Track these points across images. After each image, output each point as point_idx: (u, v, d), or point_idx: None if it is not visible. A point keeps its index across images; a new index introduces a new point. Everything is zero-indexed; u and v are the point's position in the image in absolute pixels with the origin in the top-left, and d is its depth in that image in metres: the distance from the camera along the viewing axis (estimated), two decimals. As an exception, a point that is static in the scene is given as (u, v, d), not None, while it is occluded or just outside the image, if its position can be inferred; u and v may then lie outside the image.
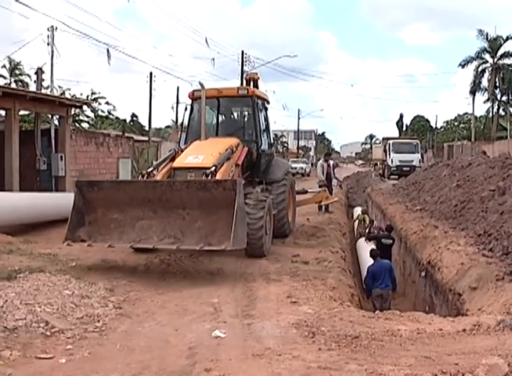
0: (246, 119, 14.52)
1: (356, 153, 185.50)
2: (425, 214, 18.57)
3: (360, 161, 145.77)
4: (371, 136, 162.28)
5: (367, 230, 20.24)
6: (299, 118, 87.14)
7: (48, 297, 7.38)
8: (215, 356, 5.45)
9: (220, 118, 14.58)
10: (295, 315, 6.98)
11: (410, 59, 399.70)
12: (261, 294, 8.30)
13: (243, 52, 40.87)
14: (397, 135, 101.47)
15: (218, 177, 10.54)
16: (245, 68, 40.14)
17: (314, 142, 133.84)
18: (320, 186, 20.67)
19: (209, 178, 10.37)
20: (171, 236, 9.71)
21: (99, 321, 6.78)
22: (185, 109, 14.22)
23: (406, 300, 15.56)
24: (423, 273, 13.55)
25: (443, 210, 17.62)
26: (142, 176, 11.37)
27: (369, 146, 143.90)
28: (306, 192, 19.41)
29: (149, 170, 11.62)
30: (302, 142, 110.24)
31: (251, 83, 14.95)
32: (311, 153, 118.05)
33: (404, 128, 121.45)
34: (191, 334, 6.21)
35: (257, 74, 15.56)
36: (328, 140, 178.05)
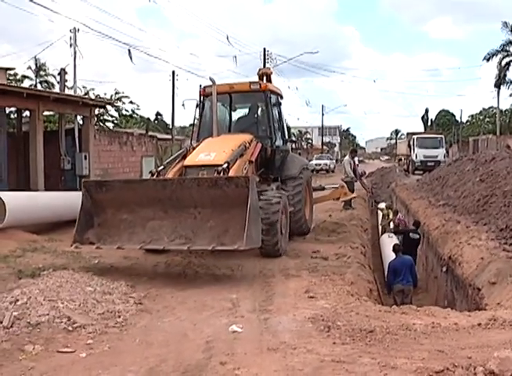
0: (259, 115, 14.04)
1: (381, 149, 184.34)
2: (448, 209, 18.53)
3: (385, 157, 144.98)
4: (396, 131, 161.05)
5: (390, 223, 20.25)
6: (323, 114, 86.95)
7: (71, 293, 7.54)
8: (231, 350, 5.57)
9: (232, 114, 14.22)
10: (312, 309, 7.06)
11: (435, 53, 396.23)
12: (279, 290, 8.40)
13: (264, 49, 41.04)
14: (422, 129, 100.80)
15: (230, 174, 10.20)
16: (267, 65, 40.18)
17: (338, 138, 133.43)
18: (347, 182, 20.36)
19: (221, 175, 10.04)
20: (182, 236, 9.40)
21: (119, 317, 6.93)
22: (197, 106, 13.79)
23: (428, 295, 15.54)
24: (444, 268, 13.55)
25: (466, 205, 17.58)
26: (152, 175, 11.05)
27: (394, 141, 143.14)
28: (323, 188, 18.94)
29: (159, 169, 11.29)
30: (327, 139, 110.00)
31: (264, 78, 14.53)
32: (336, 149, 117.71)
33: (429, 123, 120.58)
34: (208, 329, 6.33)
35: (269, 68, 15.15)
36: (353, 136, 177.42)
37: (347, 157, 22.20)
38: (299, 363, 5.11)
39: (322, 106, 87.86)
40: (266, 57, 40.71)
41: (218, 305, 7.54)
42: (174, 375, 5.02)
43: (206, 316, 7.01)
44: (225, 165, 10.29)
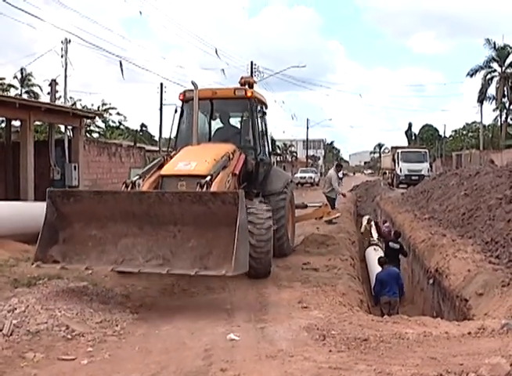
0: (243, 124, 13.17)
1: (365, 162, 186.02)
2: (433, 222, 18.81)
3: (369, 170, 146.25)
4: (380, 145, 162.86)
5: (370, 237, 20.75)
6: (308, 128, 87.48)
7: (68, 302, 7.64)
8: (230, 357, 5.69)
9: (213, 122, 13.28)
10: (306, 319, 7.22)
11: (418, 68, 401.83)
12: (272, 300, 8.55)
13: (252, 62, 41.32)
14: (406, 143, 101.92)
15: (213, 188, 9.23)
16: (255, 79, 40.48)
17: (323, 152, 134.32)
18: (329, 198, 20.28)
19: (204, 189, 9.01)
20: (159, 256, 8.33)
21: (117, 325, 7.04)
22: (175, 111, 12.69)
23: (415, 307, 15.74)
24: (431, 281, 13.78)
25: (451, 218, 17.88)
26: (126, 186, 9.73)
27: (377, 155, 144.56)
28: (306, 206, 17.93)
29: (134, 179, 10.02)
30: (311, 152, 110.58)
31: (240, 86, 13.26)
32: (320, 162, 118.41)
33: (413, 137, 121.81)
34: (206, 337, 6.44)
35: (252, 78, 13.93)
36: (337, 149, 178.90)
37: (332, 172, 21.65)
38: (297, 370, 5.25)
39: (307, 119, 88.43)
40: (253, 70, 40.95)
41: (213, 314, 7.64)
42: (176, 381, 5.17)
43: (202, 325, 7.11)
44: (208, 178, 9.30)
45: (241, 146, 11.92)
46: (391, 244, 16.91)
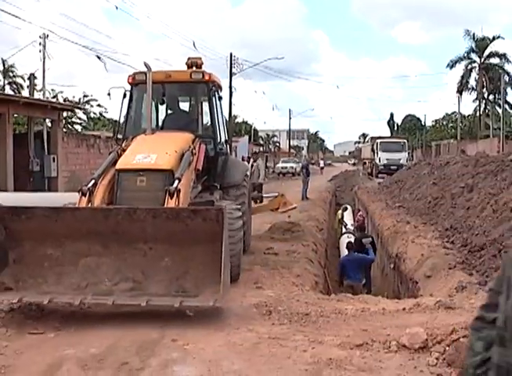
0: (197, 109, 12.06)
1: (350, 152, 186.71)
2: (402, 210, 19.52)
3: (353, 160, 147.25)
4: (364, 135, 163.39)
5: (342, 226, 21.43)
6: (290, 118, 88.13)
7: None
8: (183, 331, 6.33)
9: (165, 108, 12.07)
10: (258, 297, 7.85)
11: (403, 58, 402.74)
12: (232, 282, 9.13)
13: (231, 54, 41.72)
14: (389, 133, 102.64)
15: (182, 193, 8.05)
16: (234, 70, 41.09)
17: (306, 142, 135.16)
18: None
19: (174, 197, 7.88)
20: (128, 278, 7.32)
21: (84, 304, 7.61)
22: (124, 96, 11.22)
23: (380, 292, 16.39)
24: (392, 265, 14.48)
25: (418, 206, 18.64)
26: (83, 194, 8.19)
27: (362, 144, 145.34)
28: (261, 197, 17.14)
29: (90, 185, 8.36)
30: (295, 142, 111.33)
31: (194, 69, 11.76)
32: (304, 152, 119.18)
33: (395, 127, 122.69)
34: (163, 314, 7.01)
35: (200, 58, 12.36)
36: (322, 139, 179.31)
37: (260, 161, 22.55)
38: (240, 339, 5.93)
39: (290, 110, 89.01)
40: (233, 62, 41.43)
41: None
42: (130, 349, 5.78)
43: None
44: (176, 182, 8.12)
45: (200, 135, 10.72)
46: (363, 240, 17.48)
